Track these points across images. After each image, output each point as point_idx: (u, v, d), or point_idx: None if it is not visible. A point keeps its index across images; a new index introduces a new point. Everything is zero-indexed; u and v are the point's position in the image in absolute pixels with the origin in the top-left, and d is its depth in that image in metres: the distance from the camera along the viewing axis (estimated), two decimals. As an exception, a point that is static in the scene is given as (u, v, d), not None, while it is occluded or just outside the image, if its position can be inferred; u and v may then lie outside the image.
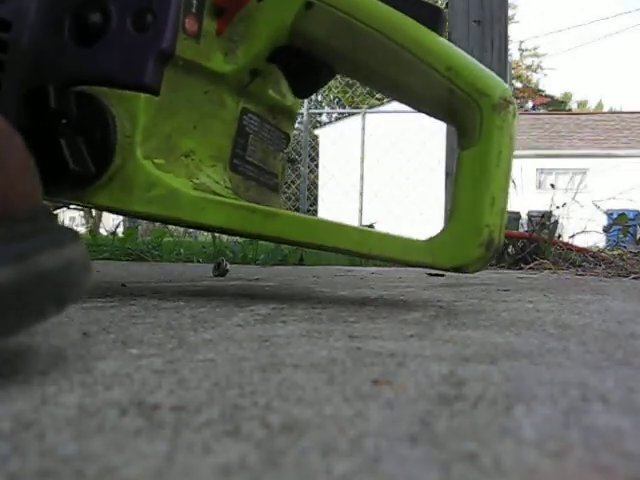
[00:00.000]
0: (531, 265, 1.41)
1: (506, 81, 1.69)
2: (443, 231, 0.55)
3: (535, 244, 1.51)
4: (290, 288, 0.79)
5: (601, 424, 0.22)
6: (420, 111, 0.62)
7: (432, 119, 0.62)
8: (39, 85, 0.56)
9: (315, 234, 0.57)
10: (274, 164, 0.70)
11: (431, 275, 1.11)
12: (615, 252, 1.60)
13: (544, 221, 1.61)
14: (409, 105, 0.63)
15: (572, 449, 0.19)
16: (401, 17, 0.58)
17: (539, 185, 11.71)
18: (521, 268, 1.42)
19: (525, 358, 0.33)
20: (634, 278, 1.13)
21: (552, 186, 1.85)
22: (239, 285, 0.82)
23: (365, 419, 0.22)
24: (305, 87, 0.68)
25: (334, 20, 0.60)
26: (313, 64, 0.64)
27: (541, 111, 16.61)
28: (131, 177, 0.57)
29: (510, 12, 2.12)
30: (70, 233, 0.29)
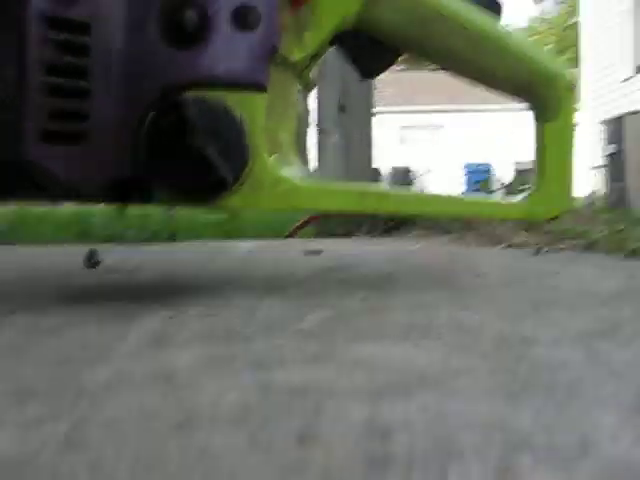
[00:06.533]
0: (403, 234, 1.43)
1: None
2: (537, 191, 0.68)
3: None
4: (171, 281, 0.76)
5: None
6: (495, 91, 0.70)
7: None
8: (152, 93, 0.53)
9: (423, 206, 0.67)
10: (304, 139, 0.75)
11: (308, 254, 1.11)
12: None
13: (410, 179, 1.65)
14: (484, 84, 0.69)
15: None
16: (469, 6, 0.64)
17: (402, 141, 12.02)
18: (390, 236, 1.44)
19: (436, 387, 0.33)
20: (505, 247, 1.17)
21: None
22: (116, 281, 0.79)
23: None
24: (371, 69, 0.70)
25: (403, 7, 0.62)
26: (378, 47, 0.66)
27: (401, 67, 16.98)
28: (260, 177, 0.58)
29: None
30: None
